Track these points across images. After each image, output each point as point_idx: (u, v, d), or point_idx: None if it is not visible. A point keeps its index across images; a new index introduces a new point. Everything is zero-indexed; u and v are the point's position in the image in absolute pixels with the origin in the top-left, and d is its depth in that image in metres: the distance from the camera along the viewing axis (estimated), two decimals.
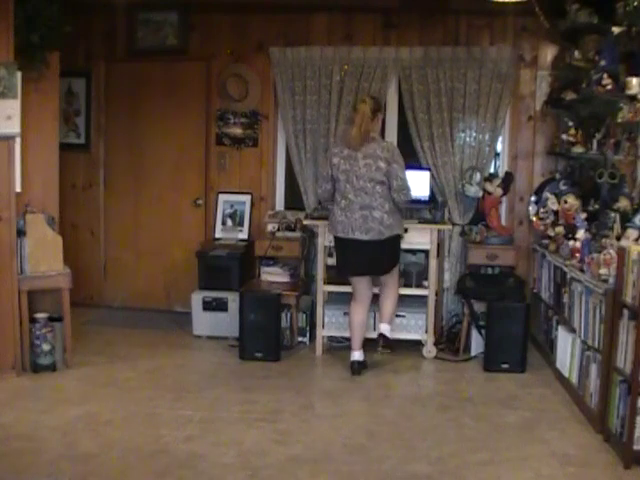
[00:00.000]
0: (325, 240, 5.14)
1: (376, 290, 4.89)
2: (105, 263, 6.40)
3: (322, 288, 5.19)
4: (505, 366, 4.82)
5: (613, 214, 4.31)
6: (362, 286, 4.79)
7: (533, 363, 4.98)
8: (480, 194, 5.47)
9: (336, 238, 4.73)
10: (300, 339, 5.43)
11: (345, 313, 5.15)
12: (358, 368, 4.74)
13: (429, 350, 5.15)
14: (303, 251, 5.61)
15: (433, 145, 5.59)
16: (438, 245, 5.26)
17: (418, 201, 5.28)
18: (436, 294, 5.27)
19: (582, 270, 4.21)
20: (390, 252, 4.71)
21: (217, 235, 5.97)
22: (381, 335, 4.81)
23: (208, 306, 5.49)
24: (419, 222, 5.12)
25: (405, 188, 4.56)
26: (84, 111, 6.27)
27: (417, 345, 5.21)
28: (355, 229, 4.58)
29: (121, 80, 6.22)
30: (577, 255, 4.37)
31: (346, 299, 5.04)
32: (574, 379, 4.30)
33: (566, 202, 4.94)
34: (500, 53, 5.53)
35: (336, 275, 5.05)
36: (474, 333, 5.15)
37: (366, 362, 4.82)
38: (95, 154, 6.32)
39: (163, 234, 6.27)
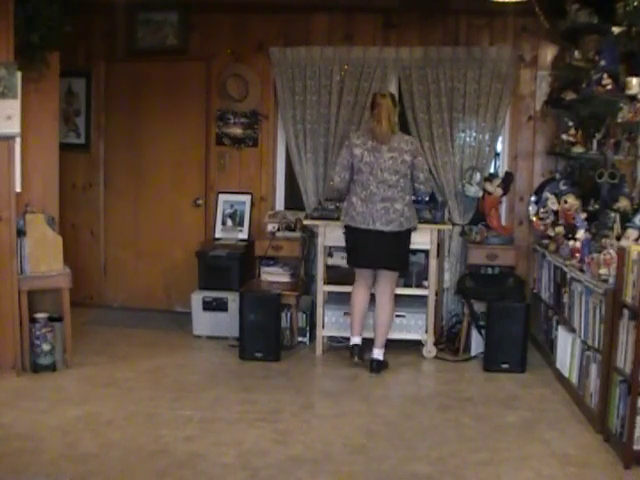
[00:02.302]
0: (325, 240, 5.14)
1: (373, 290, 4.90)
2: (105, 263, 6.40)
3: (322, 288, 5.19)
4: (505, 366, 4.82)
5: (613, 214, 4.32)
6: (367, 277, 4.84)
7: (533, 363, 4.98)
8: (480, 194, 5.47)
9: (352, 229, 4.73)
10: (300, 339, 5.43)
11: (345, 313, 5.15)
12: (358, 352, 4.75)
13: (429, 350, 5.15)
14: (303, 251, 5.61)
15: (433, 145, 5.59)
16: (438, 245, 5.26)
17: (418, 201, 5.27)
18: (436, 294, 5.27)
19: (582, 270, 4.21)
20: (403, 245, 4.77)
21: (217, 235, 5.97)
22: (374, 360, 4.79)
23: (208, 306, 5.49)
24: (419, 222, 5.11)
25: (430, 180, 4.85)
26: (84, 111, 6.27)
27: (417, 345, 5.21)
28: (376, 220, 4.61)
29: (121, 80, 6.22)
30: (577, 255, 4.37)
31: (346, 299, 5.03)
32: (574, 379, 4.30)
33: (566, 202, 4.94)
34: (500, 53, 5.53)
35: (348, 264, 4.97)
36: (474, 333, 5.15)
37: (365, 349, 4.81)
38: (95, 154, 6.32)
39: (163, 234, 6.27)
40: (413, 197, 4.88)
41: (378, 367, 4.77)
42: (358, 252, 4.77)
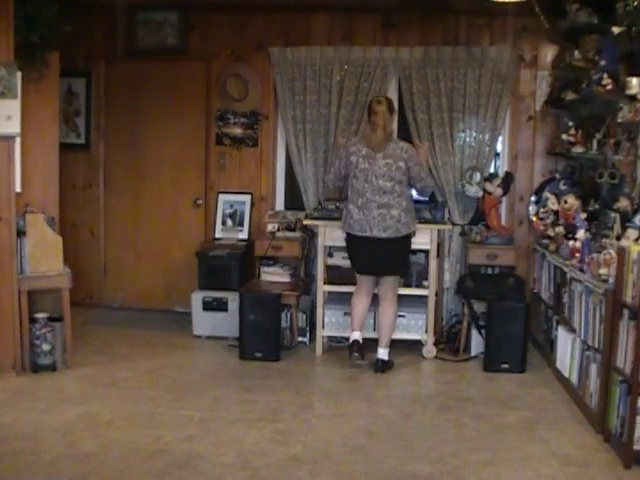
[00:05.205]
0: (325, 240, 5.15)
1: (375, 290, 4.91)
2: (105, 263, 6.40)
3: (322, 288, 5.19)
4: (505, 366, 4.82)
5: (613, 214, 4.32)
6: (368, 282, 4.85)
7: (533, 363, 4.98)
8: (480, 194, 5.47)
9: (351, 236, 4.76)
10: (300, 339, 5.42)
11: (345, 313, 5.15)
12: (358, 348, 4.75)
13: (429, 350, 5.15)
14: (303, 251, 5.61)
15: (433, 145, 5.59)
16: (438, 245, 5.26)
17: (418, 201, 5.28)
18: (436, 294, 5.27)
19: (582, 270, 4.21)
20: (403, 250, 4.79)
21: (217, 235, 5.97)
22: (379, 360, 4.80)
23: (208, 306, 5.49)
24: (419, 222, 5.11)
25: (428, 187, 4.85)
26: (84, 111, 6.27)
27: (417, 345, 5.21)
28: (373, 227, 4.63)
29: (121, 80, 6.21)
30: (577, 255, 4.37)
31: (346, 299, 5.04)
32: (574, 379, 4.30)
33: (566, 202, 4.94)
34: (500, 53, 5.53)
35: (353, 270, 4.98)
36: (474, 333, 5.15)
37: (366, 347, 4.82)
38: (95, 154, 6.32)
39: (163, 234, 6.27)
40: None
41: (383, 367, 4.78)
42: (358, 259, 4.81)
